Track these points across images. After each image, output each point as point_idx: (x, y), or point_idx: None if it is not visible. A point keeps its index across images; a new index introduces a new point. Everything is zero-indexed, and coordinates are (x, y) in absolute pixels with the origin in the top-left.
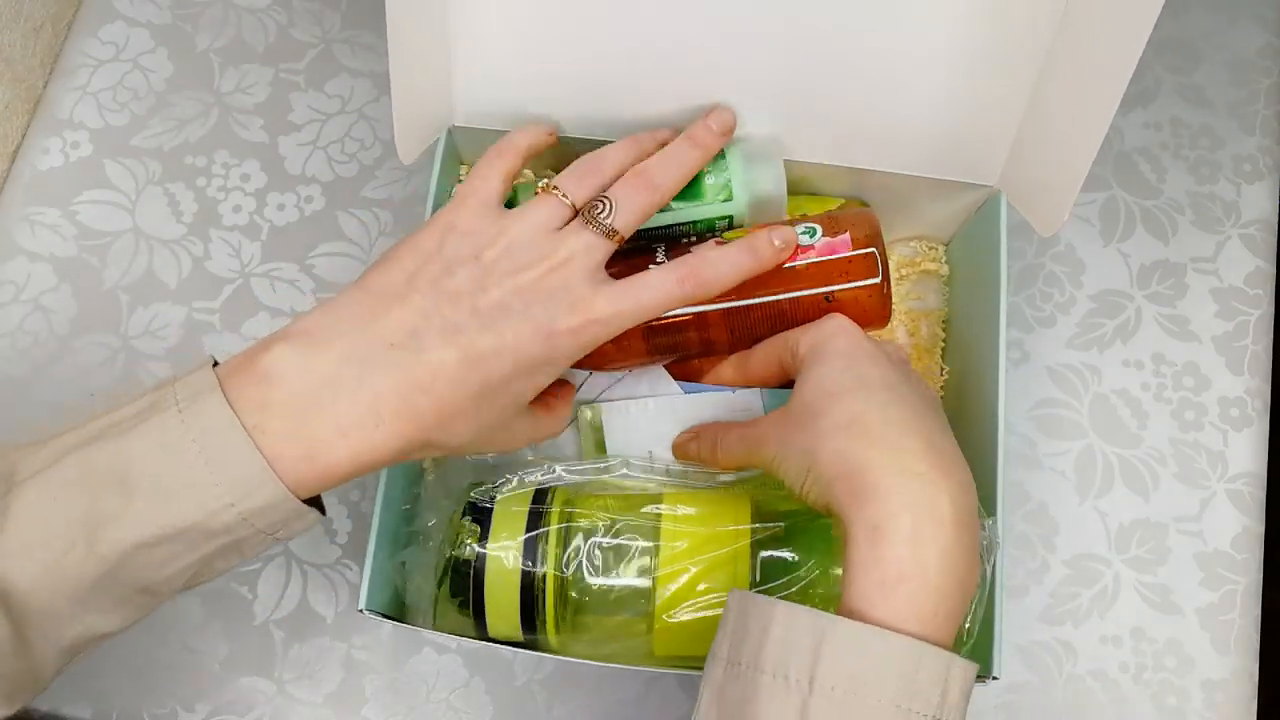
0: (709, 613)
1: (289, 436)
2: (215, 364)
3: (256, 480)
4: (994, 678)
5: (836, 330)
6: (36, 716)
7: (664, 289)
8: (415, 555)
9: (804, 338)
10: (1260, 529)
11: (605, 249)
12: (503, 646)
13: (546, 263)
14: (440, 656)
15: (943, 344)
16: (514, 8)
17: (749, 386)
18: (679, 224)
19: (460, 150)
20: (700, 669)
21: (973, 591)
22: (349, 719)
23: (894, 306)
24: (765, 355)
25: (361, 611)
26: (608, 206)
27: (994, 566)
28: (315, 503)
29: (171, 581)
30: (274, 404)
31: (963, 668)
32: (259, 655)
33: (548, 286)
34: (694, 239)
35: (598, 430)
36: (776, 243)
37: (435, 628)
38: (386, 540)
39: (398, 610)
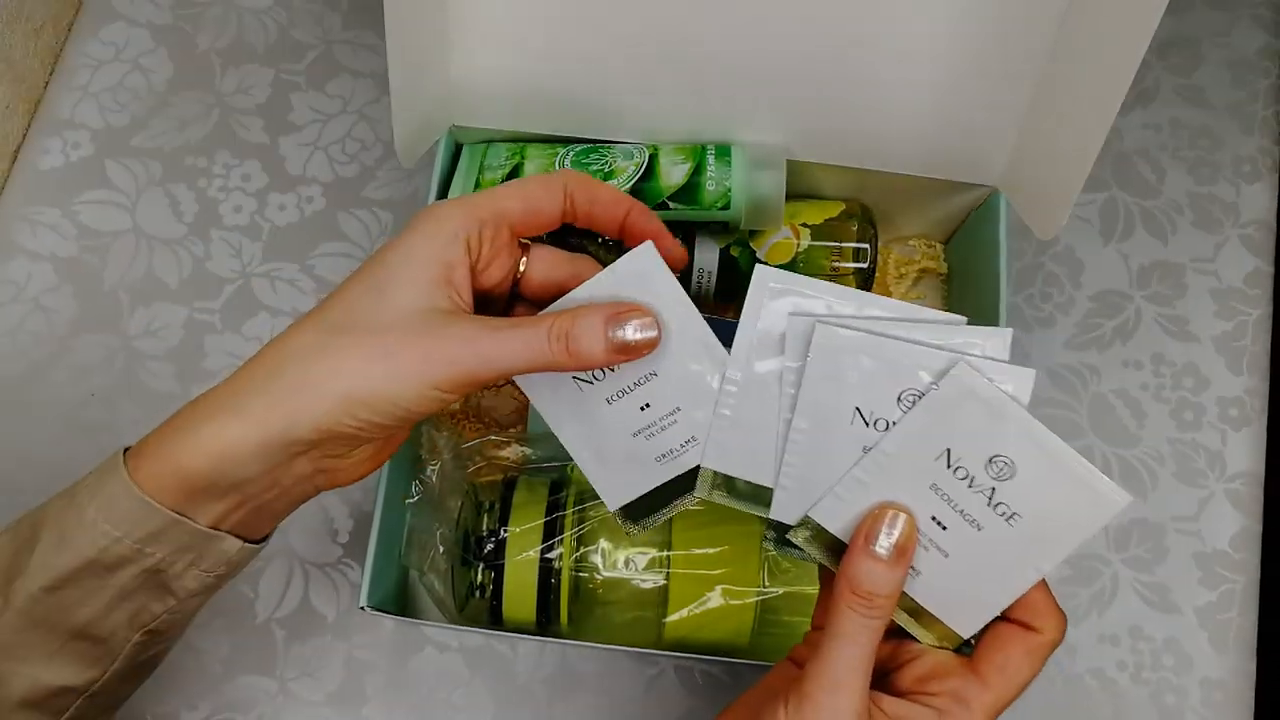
0: (718, 605)
1: (158, 458)
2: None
3: (140, 511)
4: None
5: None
6: None
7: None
8: (420, 554)
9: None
10: (1259, 528)
11: None
12: (500, 644)
13: None
14: (441, 655)
15: None
16: (514, 8)
17: None
18: (675, 223)
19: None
20: (707, 656)
21: None
22: (350, 718)
23: None
24: None
25: (363, 609)
26: None
27: None
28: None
29: (102, 623)
30: (149, 441)
31: None
32: (261, 654)
33: None
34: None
35: None
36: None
37: (455, 607)
38: (387, 538)
39: (399, 609)
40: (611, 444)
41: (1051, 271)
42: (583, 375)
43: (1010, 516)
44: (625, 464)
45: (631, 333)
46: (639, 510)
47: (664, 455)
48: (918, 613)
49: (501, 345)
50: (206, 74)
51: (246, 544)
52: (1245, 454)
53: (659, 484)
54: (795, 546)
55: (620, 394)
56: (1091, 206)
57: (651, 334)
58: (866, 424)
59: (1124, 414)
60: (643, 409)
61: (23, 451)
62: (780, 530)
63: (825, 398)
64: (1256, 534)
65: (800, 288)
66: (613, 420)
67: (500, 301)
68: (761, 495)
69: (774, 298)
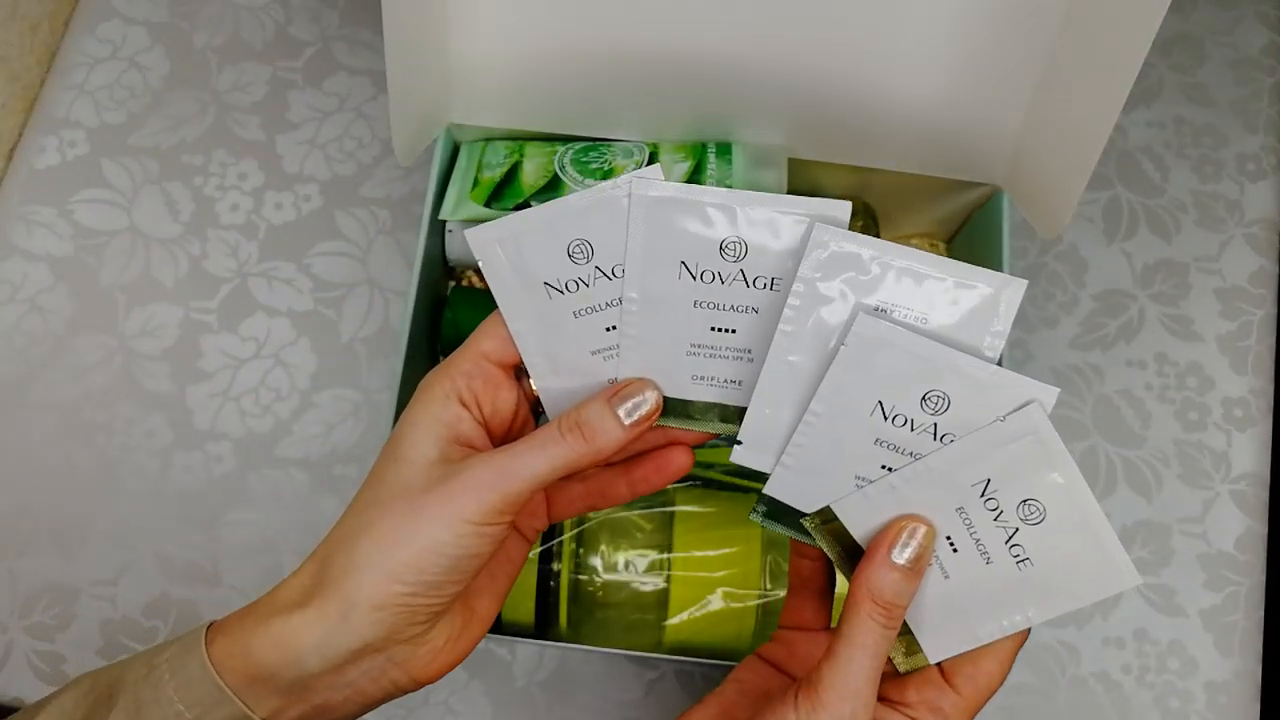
0: (719, 608)
1: (236, 638)
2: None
3: (214, 698)
4: None
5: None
6: None
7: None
8: None
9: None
10: (1264, 530)
11: None
12: (499, 648)
13: None
14: None
15: None
16: (513, 5)
17: None
18: None
19: (457, 144)
20: (708, 659)
21: None
22: None
23: None
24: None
25: None
26: None
27: None
28: None
29: None
30: (230, 621)
31: None
32: None
33: None
34: None
35: None
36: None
37: None
38: None
39: None
40: (567, 356)
41: (1055, 271)
42: (555, 284)
43: (1022, 561)
44: (575, 379)
45: (644, 405)
46: None
47: (616, 380)
48: None
49: (516, 456)
50: (203, 72)
51: None
52: (1250, 455)
53: None
54: (782, 524)
55: (589, 310)
56: (1095, 205)
57: (656, 397)
58: (886, 417)
59: (1128, 414)
60: (608, 330)
61: (20, 452)
62: (772, 505)
63: (851, 385)
64: (1262, 536)
65: (680, 194)
66: (575, 334)
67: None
68: (674, 408)
69: (657, 208)
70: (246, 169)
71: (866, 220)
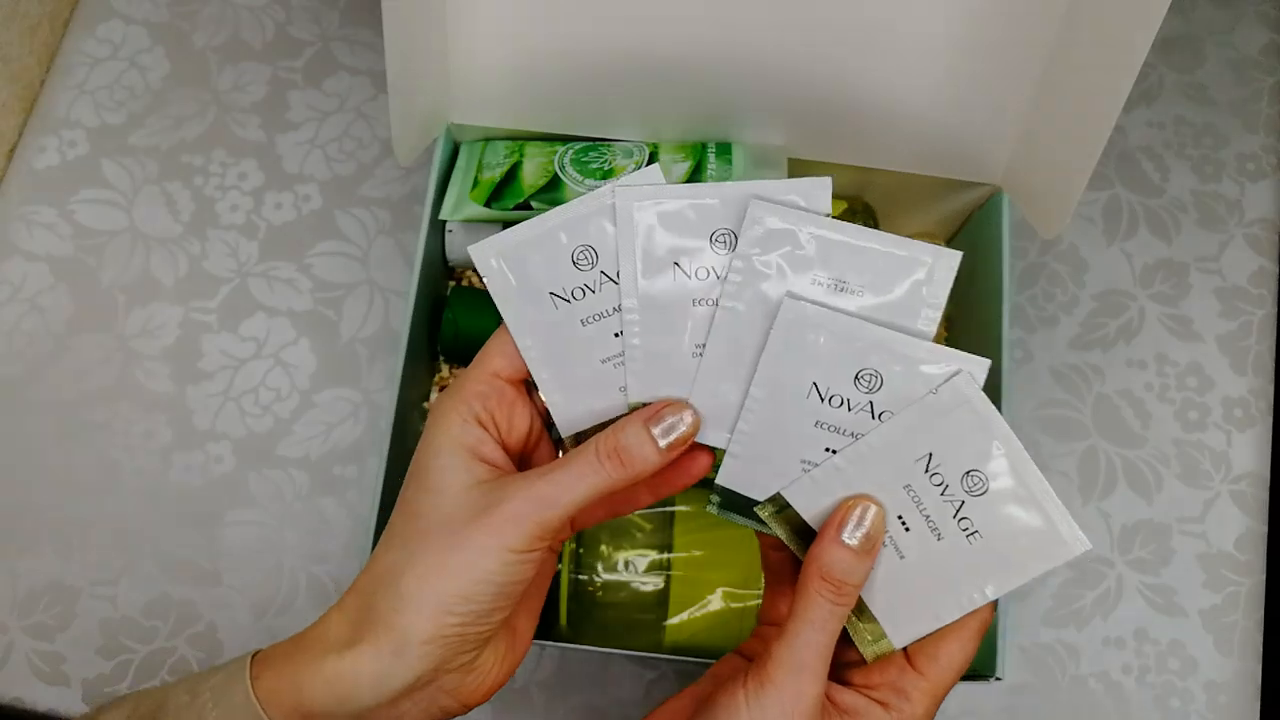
0: (719, 608)
1: (283, 674)
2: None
3: None
4: (997, 679)
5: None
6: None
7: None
8: None
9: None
10: (1264, 530)
11: None
12: None
13: None
14: None
15: (945, 342)
16: (513, 5)
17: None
18: None
19: (456, 142)
20: (708, 659)
21: None
22: None
23: None
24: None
25: None
26: None
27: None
28: None
29: None
30: (275, 655)
31: None
32: None
33: None
34: None
35: None
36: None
37: None
38: None
39: None
40: (576, 367)
41: (1055, 270)
42: (561, 294)
43: (971, 534)
44: (586, 390)
45: (680, 426)
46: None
47: (624, 390)
48: (859, 610)
49: (555, 484)
50: (203, 72)
51: None
52: (1250, 455)
53: (616, 416)
54: (738, 513)
55: (597, 317)
56: (1095, 205)
57: (694, 418)
58: (822, 399)
59: (1128, 414)
60: (616, 335)
61: (20, 452)
62: (726, 495)
63: (785, 370)
64: (1262, 535)
65: (663, 197)
66: (584, 343)
67: (554, 444)
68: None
69: (643, 214)
70: (246, 169)
71: (867, 220)
